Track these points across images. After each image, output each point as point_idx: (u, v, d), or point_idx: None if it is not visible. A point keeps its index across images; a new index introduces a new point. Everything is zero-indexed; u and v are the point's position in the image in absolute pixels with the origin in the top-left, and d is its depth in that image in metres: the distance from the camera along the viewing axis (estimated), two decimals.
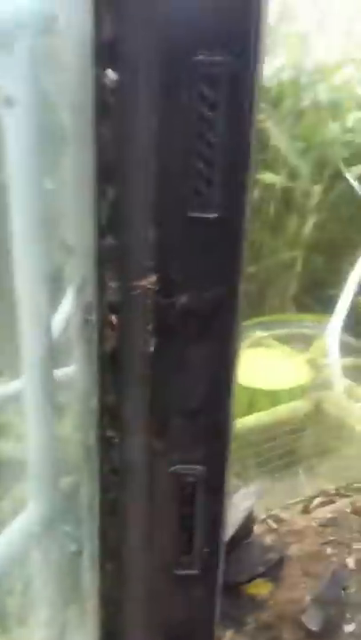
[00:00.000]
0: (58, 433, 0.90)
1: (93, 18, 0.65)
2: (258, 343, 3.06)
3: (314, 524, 1.54)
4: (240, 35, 0.63)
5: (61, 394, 0.89)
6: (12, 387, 0.95)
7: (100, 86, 0.67)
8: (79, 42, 0.69)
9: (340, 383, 2.72)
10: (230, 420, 0.80)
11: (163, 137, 0.67)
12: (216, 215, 0.70)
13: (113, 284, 0.74)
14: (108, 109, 0.67)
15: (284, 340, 3.14)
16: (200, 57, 0.64)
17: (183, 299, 0.73)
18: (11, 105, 0.74)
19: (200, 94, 0.65)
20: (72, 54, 0.72)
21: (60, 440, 0.91)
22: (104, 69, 0.66)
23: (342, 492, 1.63)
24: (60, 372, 0.89)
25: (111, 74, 0.66)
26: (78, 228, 0.76)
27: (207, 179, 0.69)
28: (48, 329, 0.84)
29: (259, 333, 3.10)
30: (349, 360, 2.90)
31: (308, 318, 3.33)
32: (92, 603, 0.89)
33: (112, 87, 0.66)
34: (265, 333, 3.13)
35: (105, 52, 0.66)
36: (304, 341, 3.14)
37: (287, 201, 3.35)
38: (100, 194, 0.70)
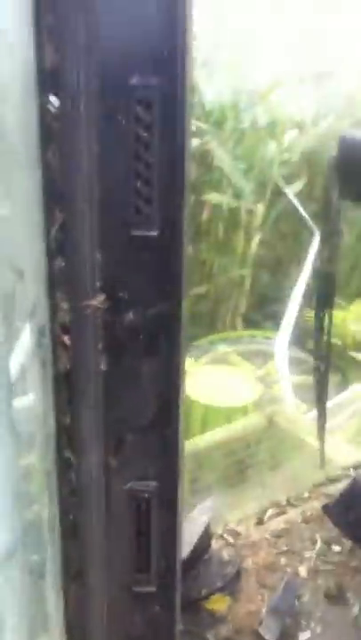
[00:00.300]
0: (19, 463, 0.89)
1: (35, 47, 0.67)
2: (221, 359, 3.09)
3: (268, 535, 1.56)
4: (169, 59, 0.67)
5: (21, 423, 0.88)
6: None
7: (44, 112, 0.68)
8: (22, 69, 0.70)
9: (290, 397, 2.77)
10: (180, 434, 0.81)
11: (103, 159, 0.69)
12: (157, 233, 0.72)
13: (64, 305, 0.75)
14: (52, 135, 0.69)
15: (246, 356, 3.19)
16: (134, 81, 0.66)
17: (130, 316, 0.74)
18: None
19: (136, 117, 0.68)
20: (16, 82, 0.74)
21: (22, 470, 0.90)
22: (47, 96, 0.68)
23: (293, 502, 1.66)
24: (19, 402, 0.89)
25: (54, 100, 0.68)
26: (28, 252, 0.77)
27: (146, 198, 0.71)
28: (4, 356, 0.84)
29: (222, 349, 3.13)
30: (301, 378, 2.95)
31: (265, 334, 3.38)
32: (57, 630, 0.89)
33: (55, 113, 0.68)
34: (229, 349, 3.17)
35: (47, 79, 0.68)
36: (264, 357, 3.18)
37: (234, 220, 3.42)
38: (49, 217, 0.71)
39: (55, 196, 0.70)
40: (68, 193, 0.70)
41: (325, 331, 1.45)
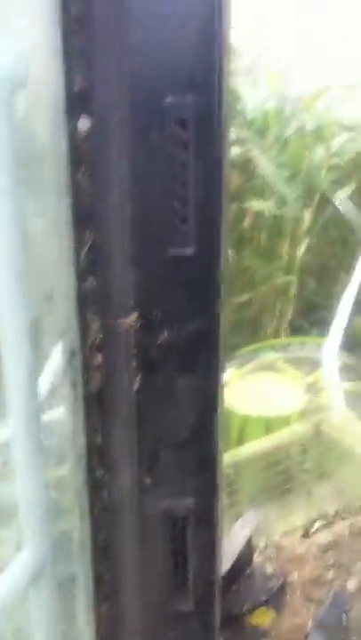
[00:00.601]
0: (48, 476, 0.90)
1: (64, 70, 0.67)
2: (267, 366, 3.06)
3: (314, 548, 1.53)
4: (205, 77, 0.66)
5: (50, 437, 0.89)
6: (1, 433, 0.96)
7: (73, 134, 0.69)
8: (51, 92, 0.71)
9: (339, 405, 2.72)
10: (218, 450, 0.80)
11: (137, 179, 0.69)
12: (193, 251, 0.72)
13: (95, 325, 0.75)
14: (82, 156, 0.69)
15: (294, 363, 3.14)
16: (168, 100, 0.66)
17: (165, 334, 0.74)
18: None
19: (170, 135, 0.68)
20: (45, 105, 0.75)
21: (50, 483, 0.91)
22: (77, 118, 0.69)
23: (341, 514, 1.62)
24: (48, 416, 0.90)
25: (84, 122, 0.69)
26: (57, 274, 0.77)
27: (182, 216, 0.71)
28: (33, 375, 0.85)
29: (269, 356, 3.10)
30: (351, 384, 2.90)
31: (315, 341, 3.33)
32: None
33: (85, 135, 0.69)
34: (277, 356, 3.13)
35: (77, 101, 0.68)
36: (313, 364, 3.14)
37: (278, 227, 3.39)
38: (79, 238, 0.71)
39: (85, 216, 0.71)
40: (98, 213, 0.70)
41: None
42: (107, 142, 0.69)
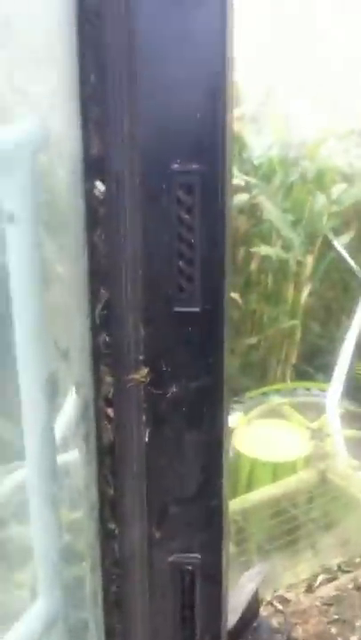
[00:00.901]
0: (62, 519, 0.91)
1: (82, 137, 0.71)
2: (273, 411, 3.05)
3: (318, 602, 1.52)
4: (209, 145, 0.70)
5: (64, 480, 0.91)
6: (17, 475, 0.97)
7: (90, 197, 0.72)
8: (69, 157, 0.74)
9: (343, 452, 2.71)
10: (225, 505, 0.81)
11: (147, 240, 0.72)
12: (199, 309, 0.74)
13: (108, 379, 0.77)
14: (98, 218, 0.72)
15: (299, 409, 3.14)
16: (175, 167, 0.69)
17: (173, 389, 0.76)
18: (12, 220, 0.80)
19: (177, 200, 0.71)
20: (63, 169, 0.78)
21: (64, 528, 0.92)
22: (94, 182, 0.72)
23: (344, 567, 1.61)
24: (61, 459, 0.92)
25: (100, 186, 0.72)
26: (72, 329, 0.80)
27: (189, 276, 0.73)
28: (49, 424, 0.87)
29: (275, 401, 3.10)
30: (354, 432, 2.89)
31: (320, 386, 3.33)
32: None
33: (101, 198, 0.72)
34: (282, 401, 3.13)
35: (93, 166, 0.71)
36: (318, 410, 3.13)
37: (283, 271, 3.43)
38: (94, 295, 0.74)
39: (101, 275, 0.73)
40: (113, 272, 0.73)
41: None
42: (119, 206, 0.72)
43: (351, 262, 3.32)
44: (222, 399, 0.78)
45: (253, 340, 3.36)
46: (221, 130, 0.70)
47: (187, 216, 0.71)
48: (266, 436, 2.71)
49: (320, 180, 3.40)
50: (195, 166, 0.70)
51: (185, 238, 0.72)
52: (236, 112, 3.41)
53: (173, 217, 0.71)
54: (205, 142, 0.70)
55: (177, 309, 0.74)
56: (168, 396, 0.76)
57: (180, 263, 0.73)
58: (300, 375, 3.65)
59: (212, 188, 0.71)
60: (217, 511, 0.81)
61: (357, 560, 1.63)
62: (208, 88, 0.68)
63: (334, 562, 1.66)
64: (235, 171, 3.15)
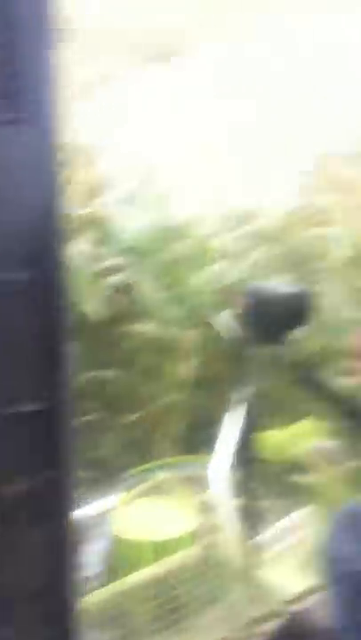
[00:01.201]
0: None
1: None
2: (157, 487, 3.03)
3: None
4: (41, 254, 0.73)
5: None
6: None
7: None
8: None
9: (229, 525, 2.72)
10: (74, 599, 0.81)
11: None
12: (41, 407, 0.76)
13: None
14: None
15: (185, 483, 3.13)
16: (6, 275, 0.72)
17: (14, 486, 0.76)
18: None
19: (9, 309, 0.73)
20: None
21: None
22: None
23: None
24: None
25: None
26: None
27: (36, 375, 0.75)
28: None
29: (159, 476, 3.08)
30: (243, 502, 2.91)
31: (206, 459, 3.35)
32: None
33: None
34: (167, 476, 3.11)
35: None
36: (204, 483, 3.13)
37: (162, 347, 3.49)
38: None
39: None
40: None
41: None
42: None
43: (230, 336, 3.44)
44: (68, 494, 0.79)
45: (134, 417, 3.37)
46: (54, 237, 0.74)
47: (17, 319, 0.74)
48: (147, 515, 2.69)
49: (199, 258, 3.55)
50: (26, 275, 0.73)
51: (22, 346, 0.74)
52: (113, 194, 3.53)
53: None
54: (37, 251, 0.73)
55: (19, 409, 0.76)
56: (9, 493, 0.76)
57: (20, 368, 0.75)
58: (188, 448, 3.67)
59: (47, 294, 0.74)
60: (66, 605, 0.81)
61: (241, 635, 1.62)
62: (41, 205, 0.73)
63: (218, 636, 1.64)
64: (109, 252, 3.25)
